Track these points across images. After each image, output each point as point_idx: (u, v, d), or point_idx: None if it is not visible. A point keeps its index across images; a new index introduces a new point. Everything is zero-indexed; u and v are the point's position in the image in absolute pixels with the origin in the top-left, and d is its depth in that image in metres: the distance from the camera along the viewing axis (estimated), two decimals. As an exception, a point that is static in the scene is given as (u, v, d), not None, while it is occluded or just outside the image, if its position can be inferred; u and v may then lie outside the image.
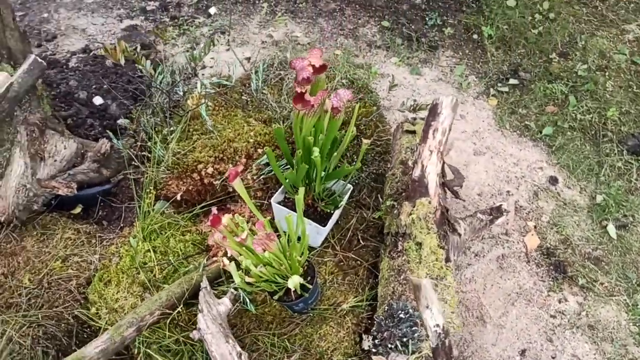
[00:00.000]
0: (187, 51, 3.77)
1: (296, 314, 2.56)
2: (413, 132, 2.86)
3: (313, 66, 2.24)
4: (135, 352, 2.54)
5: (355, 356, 2.42)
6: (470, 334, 2.70)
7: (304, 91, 2.11)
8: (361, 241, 2.78)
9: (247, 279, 2.28)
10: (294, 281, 2.22)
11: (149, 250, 2.72)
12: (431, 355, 2.16)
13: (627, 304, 2.80)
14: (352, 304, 2.53)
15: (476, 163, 3.41)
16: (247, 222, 2.38)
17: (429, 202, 2.44)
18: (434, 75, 4.01)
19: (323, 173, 2.56)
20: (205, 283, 2.49)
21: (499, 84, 3.95)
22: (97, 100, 3.36)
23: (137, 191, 2.91)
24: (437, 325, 1.73)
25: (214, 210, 2.27)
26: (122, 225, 2.95)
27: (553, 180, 3.33)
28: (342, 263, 2.70)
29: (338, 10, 4.44)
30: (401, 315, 2.27)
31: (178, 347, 2.50)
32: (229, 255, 2.36)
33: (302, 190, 2.34)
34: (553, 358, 2.61)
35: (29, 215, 2.75)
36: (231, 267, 2.32)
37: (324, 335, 2.48)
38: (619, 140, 3.53)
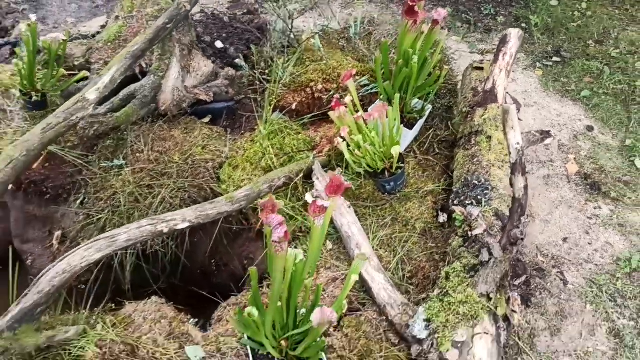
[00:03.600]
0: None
1: (386, 194, 3.24)
2: (481, 69, 3.59)
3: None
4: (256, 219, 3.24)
5: (432, 224, 3.09)
6: (522, 225, 3.36)
7: (414, 4, 2.86)
8: (436, 149, 3.48)
9: (357, 152, 3.00)
10: (396, 150, 2.93)
11: (268, 146, 3.45)
12: (499, 208, 2.84)
13: (650, 214, 3.45)
14: (431, 188, 3.22)
15: (525, 112, 4.11)
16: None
17: (498, 107, 3.15)
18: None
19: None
20: (317, 164, 3.20)
21: (544, 60, 4.70)
22: (218, 44, 4.16)
23: (255, 106, 3.66)
24: (518, 143, 2.41)
25: (337, 96, 3.01)
26: (242, 132, 3.70)
27: (590, 128, 4.02)
28: (421, 162, 3.40)
29: (406, -1, 5.25)
30: (475, 183, 2.95)
31: (294, 213, 3.19)
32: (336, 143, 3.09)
33: (397, 95, 3.07)
34: (589, 244, 3.25)
35: (177, 112, 3.51)
36: (342, 145, 3.05)
37: (409, 209, 3.15)
38: (646, 103, 4.23)
